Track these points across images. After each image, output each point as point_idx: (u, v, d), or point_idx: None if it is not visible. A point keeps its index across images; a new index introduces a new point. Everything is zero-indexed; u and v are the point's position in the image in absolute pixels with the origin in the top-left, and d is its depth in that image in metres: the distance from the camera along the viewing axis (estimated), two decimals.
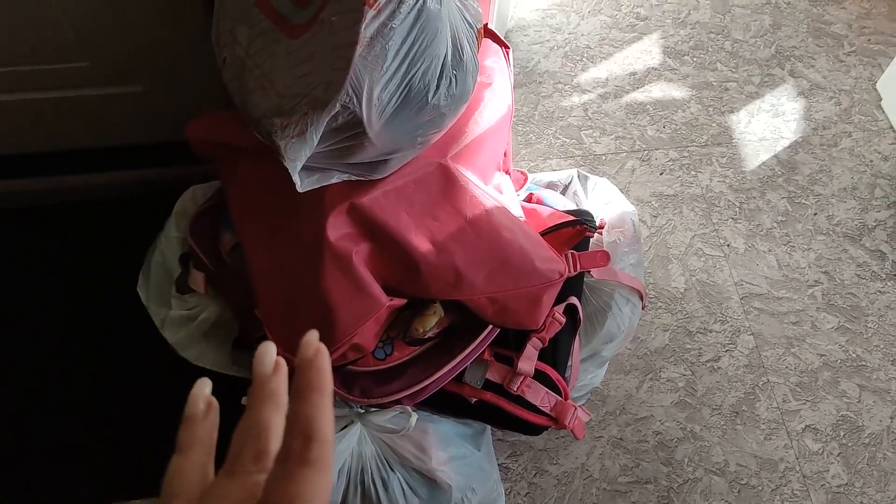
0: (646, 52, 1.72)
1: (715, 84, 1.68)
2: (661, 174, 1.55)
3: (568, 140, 1.58)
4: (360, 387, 0.99)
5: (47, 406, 1.27)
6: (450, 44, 0.86)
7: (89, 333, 1.33)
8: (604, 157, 1.57)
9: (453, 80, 0.86)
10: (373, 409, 1.02)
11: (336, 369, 0.98)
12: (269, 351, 0.36)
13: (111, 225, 1.40)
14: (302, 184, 0.85)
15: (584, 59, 1.70)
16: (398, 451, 1.03)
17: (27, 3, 1.09)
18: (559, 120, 1.61)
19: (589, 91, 1.65)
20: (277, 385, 0.35)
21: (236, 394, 0.97)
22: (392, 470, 1.03)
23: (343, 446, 1.00)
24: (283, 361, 0.36)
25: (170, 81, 1.26)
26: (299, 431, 0.32)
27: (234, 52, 0.92)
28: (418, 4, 0.81)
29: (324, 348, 0.34)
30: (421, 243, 0.92)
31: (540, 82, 1.65)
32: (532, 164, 1.55)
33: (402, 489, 1.04)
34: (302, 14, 0.86)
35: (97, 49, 1.18)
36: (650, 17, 1.77)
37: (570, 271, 1.02)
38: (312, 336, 0.34)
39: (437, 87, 0.85)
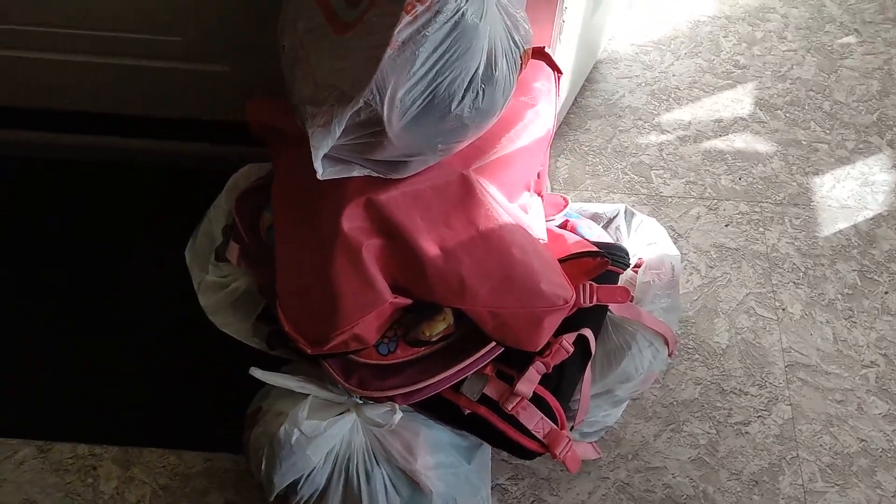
0: (736, 101, 1.67)
1: (804, 143, 1.62)
2: (726, 225, 1.51)
3: (636, 177, 1.56)
4: (359, 377, 1.02)
5: (76, 347, 1.36)
6: (484, 57, 0.88)
7: (135, 285, 1.42)
8: (670, 200, 1.54)
9: (481, 93, 0.88)
10: (369, 402, 1.04)
11: (338, 356, 1.01)
12: None
13: (177, 189, 1.50)
14: (323, 171, 0.90)
15: (670, 99, 1.67)
16: (386, 447, 1.05)
17: None
18: (632, 156, 1.59)
19: (668, 132, 1.63)
20: None
21: (247, 363, 1.04)
22: (377, 464, 1.05)
23: (334, 432, 1.03)
24: None
25: (253, 65, 1.33)
26: None
27: (293, 40, 0.98)
28: (456, 16, 0.84)
29: None
30: (430, 247, 0.94)
31: (620, 116, 1.64)
32: (594, 196, 1.54)
33: (385, 485, 1.05)
34: (352, 12, 0.90)
35: (189, 26, 1.27)
36: (749, 66, 1.73)
37: (584, 302, 1.01)
38: None
39: (463, 97, 0.87)
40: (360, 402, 1.05)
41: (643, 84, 1.70)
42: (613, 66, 1.72)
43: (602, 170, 1.57)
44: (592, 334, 1.07)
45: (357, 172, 0.92)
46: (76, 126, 1.49)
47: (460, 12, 0.84)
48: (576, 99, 1.66)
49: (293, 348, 1.06)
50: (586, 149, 1.60)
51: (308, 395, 1.05)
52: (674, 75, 1.71)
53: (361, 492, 1.04)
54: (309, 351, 0.99)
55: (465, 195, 0.95)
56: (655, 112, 1.66)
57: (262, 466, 1.05)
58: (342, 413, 1.05)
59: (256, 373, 1.05)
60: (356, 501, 1.05)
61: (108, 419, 1.29)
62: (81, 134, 1.50)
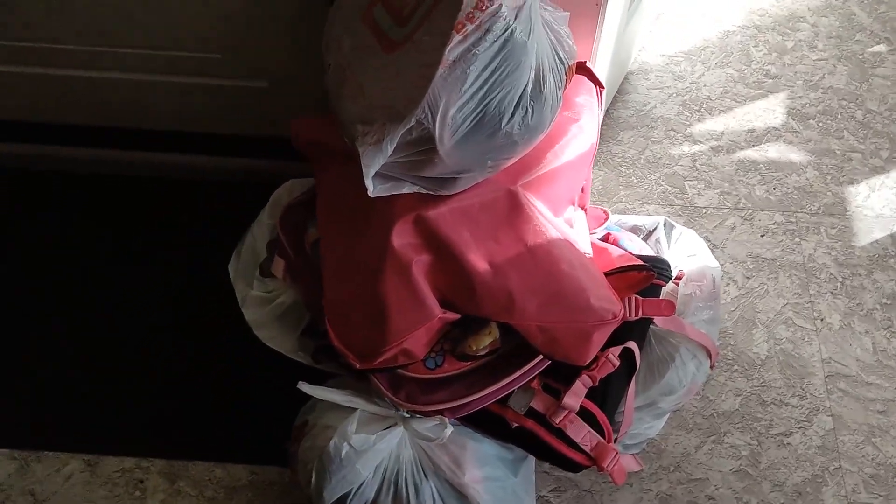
0: (769, 111, 1.67)
1: (838, 152, 1.61)
2: (762, 236, 1.51)
3: (670, 188, 1.57)
4: (407, 391, 1.03)
5: (124, 362, 1.38)
6: (532, 75, 0.89)
7: (180, 300, 1.44)
8: (704, 211, 1.54)
9: (530, 110, 0.89)
10: (417, 416, 1.05)
11: (386, 371, 1.02)
12: None
13: (219, 204, 1.52)
14: (374, 189, 0.91)
15: (702, 109, 1.67)
16: (434, 461, 1.06)
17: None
18: (665, 167, 1.59)
19: (701, 142, 1.63)
20: None
21: (291, 377, 1.05)
22: (426, 477, 1.06)
23: (383, 446, 1.04)
24: None
25: (292, 81, 1.35)
26: None
27: (338, 59, 0.99)
28: (505, 35, 0.85)
29: None
30: (479, 263, 0.95)
31: (652, 127, 1.65)
32: (629, 207, 1.54)
33: (434, 498, 1.06)
34: (400, 31, 0.91)
35: (229, 43, 1.29)
36: (780, 76, 1.73)
37: (629, 315, 1.02)
38: None
39: (513, 115, 0.88)
40: (408, 415, 1.06)
41: (674, 95, 1.70)
42: (644, 77, 1.73)
43: (636, 181, 1.58)
44: (637, 347, 1.08)
45: (407, 189, 0.94)
46: (104, 142, 1.51)
47: (509, 30, 0.85)
48: (608, 110, 1.66)
49: (341, 363, 1.07)
50: (619, 160, 1.61)
51: (356, 408, 1.06)
52: (705, 86, 1.71)
53: None
54: (358, 365, 1.00)
55: (513, 211, 0.96)
56: (687, 122, 1.66)
57: (312, 480, 1.06)
58: (390, 427, 1.06)
59: (304, 387, 1.06)
60: None
61: (154, 432, 1.31)
62: (107, 149, 1.52)
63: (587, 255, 1.03)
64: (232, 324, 1.21)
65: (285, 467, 1.25)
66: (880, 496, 1.25)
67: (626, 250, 1.13)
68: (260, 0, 1.22)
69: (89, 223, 1.53)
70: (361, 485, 1.05)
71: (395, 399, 1.02)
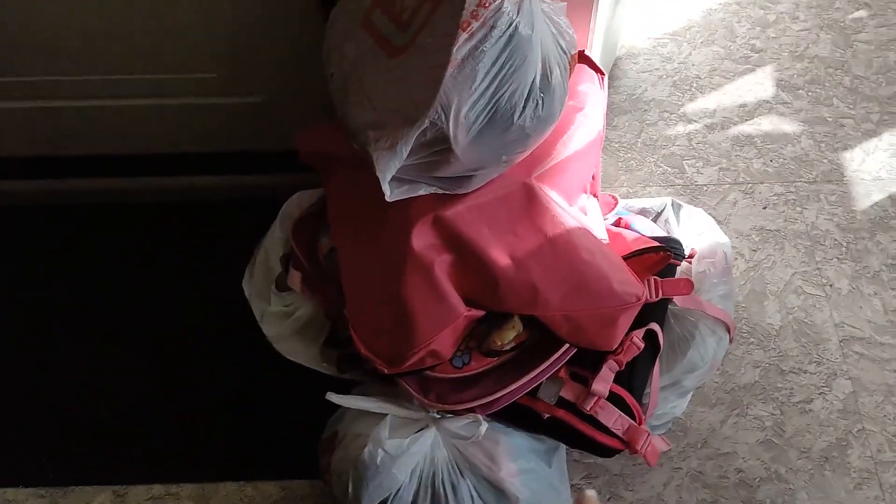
0: (758, 85, 1.69)
1: (830, 120, 1.63)
2: (764, 208, 1.52)
3: (669, 169, 1.58)
4: (437, 392, 1.03)
5: (146, 389, 1.38)
6: (539, 67, 0.89)
7: (197, 322, 1.43)
8: (705, 188, 1.55)
9: (540, 102, 0.89)
10: (448, 416, 1.05)
11: (414, 373, 1.02)
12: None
13: (223, 224, 1.51)
14: (391, 194, 0.91)
15: (692, 88, 1.69)
16: (469, 459, 1.06)
17: (171, 22, 1.21)
18: (662, 148, 1.61)
19: (695, 121, 1.64)
20: None
21: (312, 389, 1.05)
22: (462, 476, 1.06)
23: (416, 448, 1.04)
24: None
25: (288, 94, 1.35)
26: None
27: (341, 67, 0.99)
28: (510, 29, 0.86)
29: None
30: (500, 258, 0.95)
31: (645, 110, 1.66)
32: (631, 191, 1.55)
33: (471, 495, 1.06)
34: (402, 36, 0.92)
35: (225, 62, 1.29)
36: (766, 49, 1.74)
37: (650, 297, 1.03)
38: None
39: (524, 108, 0.88)
40: (438, 416, 1.06)
41: (664, 76, 1.71)
42: (633, 61, 1.74)
43: (635, 165, 1.59)
44: (659, 328, 1.09)
45: (424, 191, 0.94)
46: (102, 171, 1.51)
47: (513, 25, 0.86)
48: None
49: (368, 369, 1.08)
50: (616, 145, 1.62)
51: (386, 414, 1.07)
52: (693, 65, 1.73)
53: None
54: (386, 371, 1.00)
55: (530, 203, 0.97)
56: (679, 103, 1.67)
57: (350, 490, 1.06)
58: (421, 429, 1.07)
59: (333, 397, 1.06)
60: None
61: (182, 457, 1.30)
62: (118, 177, 1.52)
63: (604, 242, 1.04)
64: (251, 341, 1.21)
65: (316, 479, 1.24)
66: None
67: (639, 233, 1.14)
68: (251, 15, 1.22)
69: (96, 255, 1.53)
70: (399, 489, 1.05)
71: (426, 401, 1.03)
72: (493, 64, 0.85)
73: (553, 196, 0.98)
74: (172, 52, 1.27)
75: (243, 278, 1.24)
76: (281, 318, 1.18)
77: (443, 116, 0.85)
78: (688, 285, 1.06)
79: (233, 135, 1.42)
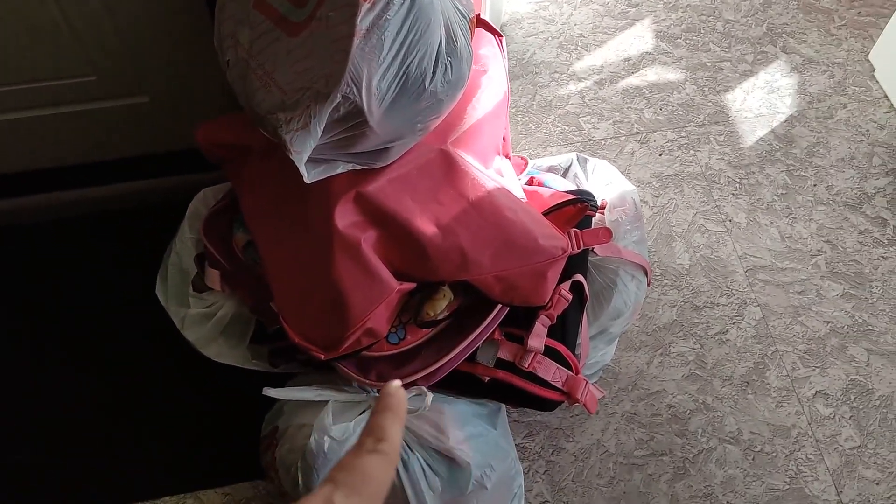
0: (639, 38, 1.75)
1: (709, 65, 1.71)
2: (660, 155, 1.58)
3: (567, 127, 1.61)
4: (377, 371, 1.02)
5: (74, 411, 1.30)
6: (443, 32, 0.89)
7: (112, 337, 1.37)
8: (603, 142, 1.60)
9: (448, 66, 0.89)
10: None
11: (352, 356, 1.01)
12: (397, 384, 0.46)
13: (126, 233, 1.44)
14: (309, 175, 0.89)
15: (578, 48, 1.73)
16: (416, 432, 1.06)
17: (35, 23, 1.13)
18: (557, 108, 1.64)
19: (585, 79, 1.68)
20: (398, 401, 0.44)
21: (253, 387, 1.02)
22: (411, 451, 1.06)
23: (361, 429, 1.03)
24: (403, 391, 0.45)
25: (175, 91, 1.30)
26: (373, 432, 0.43)
27: (237, 53, 0.96)
28: None
29: (403, 390, 0.45)
30: (427, 227, 0.95)
31: (536, 73, 1.69)
32: (533, 152, 1.58)
33: (423, 469, 1.06)
34: (300, 12, 0.89)
35: (103, 63, 1.22)
36: (641, 3, 1.80)
37: (573, 248, 1.05)
38: (397, 382, 0.45)
39: (434, 73, 0.88)
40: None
41: (550, 38, 1.74)
42: (518, 26, 1.76)
43: (533, 127, 1.62)
44: (583, 278, 1.11)
45: (341, 169, 0.92)
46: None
47: None
48: None
49: (303, 359, 1.06)
50: (513, 110, 1.64)
51: (327, 400, 1.05)
52: (576, 24, 1.77)
53: (403, 480, 1.05)
54: (323, 357, 0.98)
55: (449, 169, 0.97)
56: (568, 63, 1.71)
57: (299, 481, 1.04)
58: (364, 411, 1.06)
59: (270, 392, 1.04)
60: (399, 491, 1.05)
61: (117, 478, 1.24)
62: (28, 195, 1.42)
63: (523, 200, 1.05)
64: (170, 350, 1.16)
65: (259, 479, 1.22)
66: (816, 367, 1.35)
67: (553, 189, 1.16)
68: (124, 9, 1.16)
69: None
70: None
71: (367, 381, 1.01)
72: (399, 31, 0.84)
73: (470, 160, 0.99)
74: (44, 59, 1.19)
75: (156, 286, 1.19)
76: (203, 320, 1.14)
77: (354, 89, 0.83)
78: (606, 233, 1.09)
79: (122, 139, 1.36)
